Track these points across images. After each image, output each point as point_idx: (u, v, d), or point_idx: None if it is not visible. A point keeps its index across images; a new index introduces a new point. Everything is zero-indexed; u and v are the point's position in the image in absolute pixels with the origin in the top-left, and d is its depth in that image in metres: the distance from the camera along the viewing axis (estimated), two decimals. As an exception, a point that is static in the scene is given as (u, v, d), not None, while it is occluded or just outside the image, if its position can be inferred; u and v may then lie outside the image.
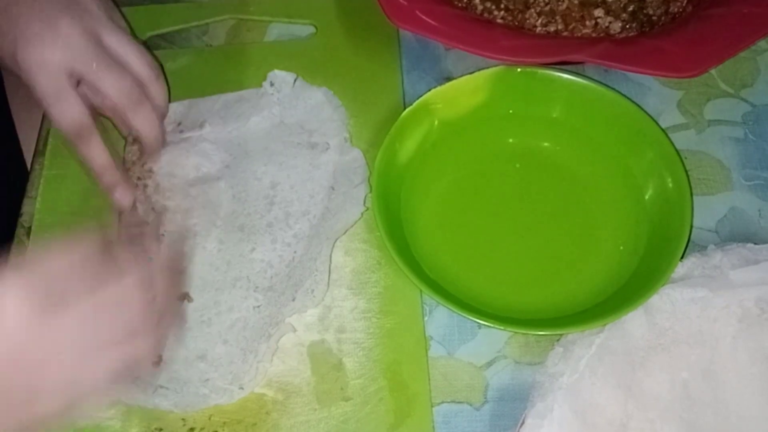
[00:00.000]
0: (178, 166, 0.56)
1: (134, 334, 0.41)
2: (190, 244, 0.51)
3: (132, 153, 0.57)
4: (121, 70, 0.53)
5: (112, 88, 0.52)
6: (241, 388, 0.48)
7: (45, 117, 0.60)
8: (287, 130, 0.58)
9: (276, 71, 0.60)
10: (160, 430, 0.48)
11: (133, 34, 0.57)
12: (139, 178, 0.55)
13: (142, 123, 0.54)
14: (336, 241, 0.53)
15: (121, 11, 0.57)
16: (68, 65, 0.51)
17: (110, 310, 0.40)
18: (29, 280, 0.38)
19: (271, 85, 0.60)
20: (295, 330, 0.50)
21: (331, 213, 0.54)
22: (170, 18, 0.65)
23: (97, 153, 0.53)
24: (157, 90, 0.55)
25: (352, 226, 0.54)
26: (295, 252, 0.53)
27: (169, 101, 0.57)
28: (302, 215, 0.54)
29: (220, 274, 0.52)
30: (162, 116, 0.56)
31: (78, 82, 0.52)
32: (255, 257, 0.53)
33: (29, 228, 0.55)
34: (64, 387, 0.39)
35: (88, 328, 0.39)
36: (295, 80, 0.60)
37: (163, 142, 0.56)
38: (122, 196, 0.54)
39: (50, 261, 0.39)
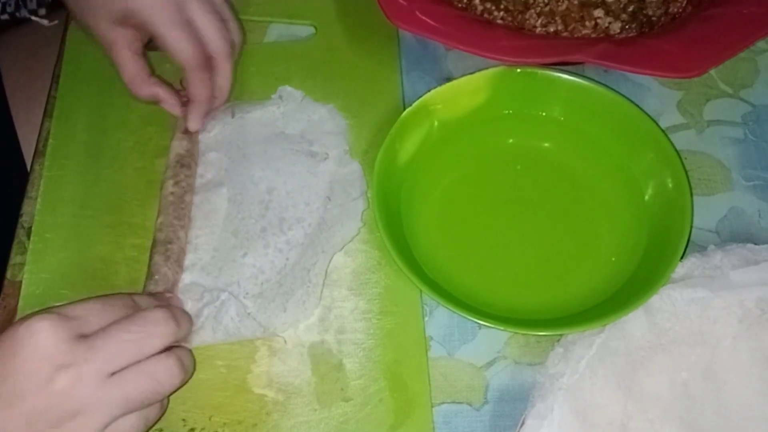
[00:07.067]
0: None
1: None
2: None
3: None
4: (225, 19, 0.57)
5: (216, 34, 0.55)
6: None
7: (45, 117, 0.60)
8: (288, 139, 0.58)
9: (286, 87, 0.60)
10: (161, 430, 0.48)
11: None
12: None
13: (227, 75, 0.57)
14: (333, 256, 0.53)
15: None
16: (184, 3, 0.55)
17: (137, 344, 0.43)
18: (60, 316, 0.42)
19: (280, 98, 0.60)
20: (285, 342, 0.51)
21: (327, 225, 0.54)
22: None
23: (209, 84, 0.56)
24: (223, 67, 0.57)
25: (350, 242, 0.54)
26: (287, 259, 0.53)
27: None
28: (296, 222, 0.54)
29: (212, 280, 0.52)
30: (218, 92, 0.58)
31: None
32: (246, 262, 0.53)
33: (29, 228, 0.55)
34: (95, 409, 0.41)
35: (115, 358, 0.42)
36: (302, 98, 0.60)
37: (207, 113, 0.58)
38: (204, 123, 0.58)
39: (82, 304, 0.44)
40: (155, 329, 0.44)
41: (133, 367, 0.42)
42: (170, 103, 0.58)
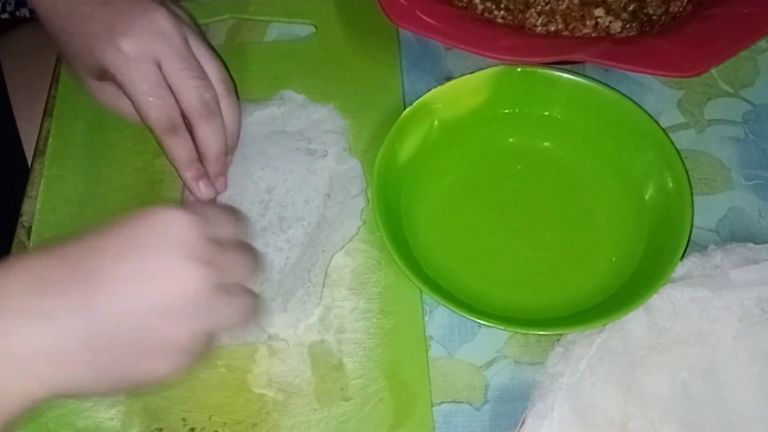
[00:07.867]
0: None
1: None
2: None
3: None
4: (202, 76, 0.52)
5: (191, 94, 0.51)
6: None
7: (45, 116, 0.60)
8: (287, 137, 0.58)
9: (288, 91, 0.60)
10: (161, 430, 0.48)
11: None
12: None
13: (209, 136, 0.52)
14: (333, 255, 0.53)
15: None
16: (160, 59, 0.51)
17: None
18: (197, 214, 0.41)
19: (281, 99, 0.60)
20: (288, 344, 0.51)
21: (327, 223, 0.54)
22: (170, 18, 0.65)
23: (187, 147, 0.52)
24: (229, 105, 0.54)
25: (349, 241, 0.54)
26: (287, 258, 0.53)
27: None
28: (296, 221, 0.54)
29: None
30: (230, 134, 0.54)
31: None
32: None
33: (29, 228, 0.55)
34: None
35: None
36: (303, 101, 0.60)
37: (224, 162, 0.55)
38: (206, 189, 0.53)
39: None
40: (254, 264, 0.43)
41: (238, 292, 0.42)
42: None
